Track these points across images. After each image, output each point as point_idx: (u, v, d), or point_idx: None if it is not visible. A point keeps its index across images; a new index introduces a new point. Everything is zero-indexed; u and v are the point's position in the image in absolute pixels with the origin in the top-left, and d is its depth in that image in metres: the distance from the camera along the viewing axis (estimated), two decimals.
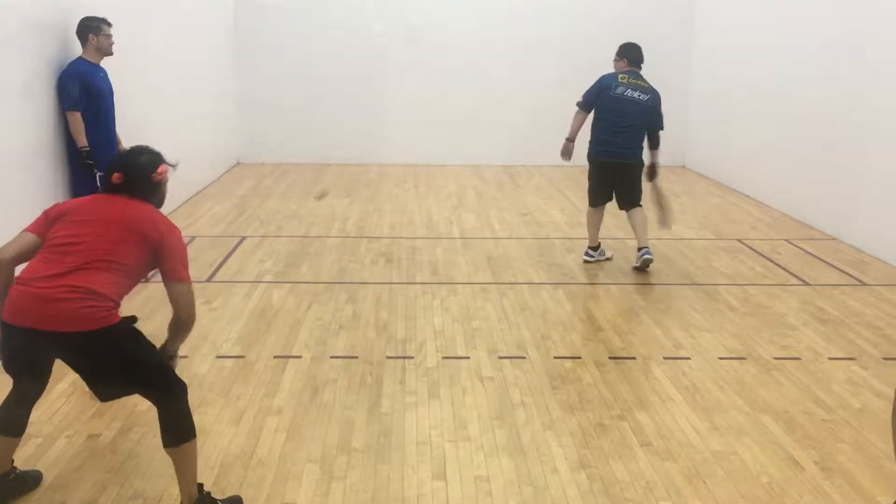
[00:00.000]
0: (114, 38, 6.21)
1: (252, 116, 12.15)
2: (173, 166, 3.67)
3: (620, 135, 6.77)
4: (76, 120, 5.98)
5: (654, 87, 6.93)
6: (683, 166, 12.42)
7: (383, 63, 12.14)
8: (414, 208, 9.45)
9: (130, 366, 3.34)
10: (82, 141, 6.01)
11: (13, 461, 3.66)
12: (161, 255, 3.39)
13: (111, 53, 6.24)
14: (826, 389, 4.79)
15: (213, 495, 3.51)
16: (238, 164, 12.22)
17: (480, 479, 3.80)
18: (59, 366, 3.46)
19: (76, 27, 6.10)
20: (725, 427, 4.32)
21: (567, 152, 7.08)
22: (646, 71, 7.14)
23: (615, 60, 7.11)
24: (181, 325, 3.46)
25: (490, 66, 12.14)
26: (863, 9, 7.91)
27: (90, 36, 6.07)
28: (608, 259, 7.27)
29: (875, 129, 7.58)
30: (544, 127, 12.36)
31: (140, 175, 3.50)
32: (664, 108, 7.00)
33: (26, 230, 3.43)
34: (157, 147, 3.70)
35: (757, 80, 10.02)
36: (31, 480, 3.72)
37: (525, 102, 12.18)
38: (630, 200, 6.99)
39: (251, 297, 6.25)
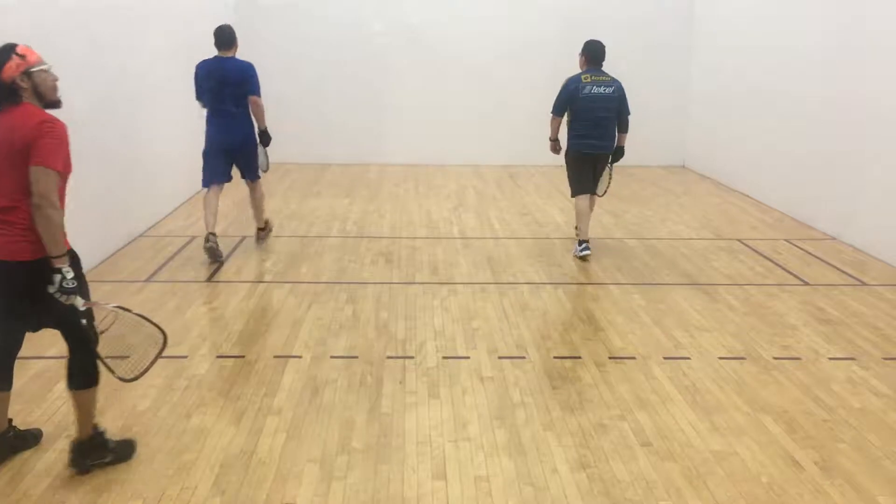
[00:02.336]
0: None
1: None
2: (21, 57, 3.36)
3: (597, 129, 7.34)
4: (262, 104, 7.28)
5: (615, 77, 7.41)
6: (683, 166, 12.41)
7: (383, 63, 12.14)
8: (414, 208, 9.45)
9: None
10: (265, 122, 7.34)
11: (11, 420, 3.75)
12: (33, 146, 3.25)
13: None
14: (826, 389, 4.79)
15: (106, 436, 3.74)
16: None
17: (480, 479, 3.80)
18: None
19: (228, 33, 7.18)
20: (725, 427, 4.32)
21: (555, 150, 7.79)
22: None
23: (579, 55, 7.53)
24: (36, 210, 3.30)
25: (490, 66, 12.13)
26: (863, 8, 7.90)
27: (236, 42, 7.25)
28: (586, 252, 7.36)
29: (875, 129, 7.58)
30: (544, 127, 12.31)
31: None
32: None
33: None
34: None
35: (757, 80, 10.01)
36: (32, 438, 3.76)
37: (525, 102, 12.12)
38: (595, 188, 7.61)
39: (251, 297, 6.25)
